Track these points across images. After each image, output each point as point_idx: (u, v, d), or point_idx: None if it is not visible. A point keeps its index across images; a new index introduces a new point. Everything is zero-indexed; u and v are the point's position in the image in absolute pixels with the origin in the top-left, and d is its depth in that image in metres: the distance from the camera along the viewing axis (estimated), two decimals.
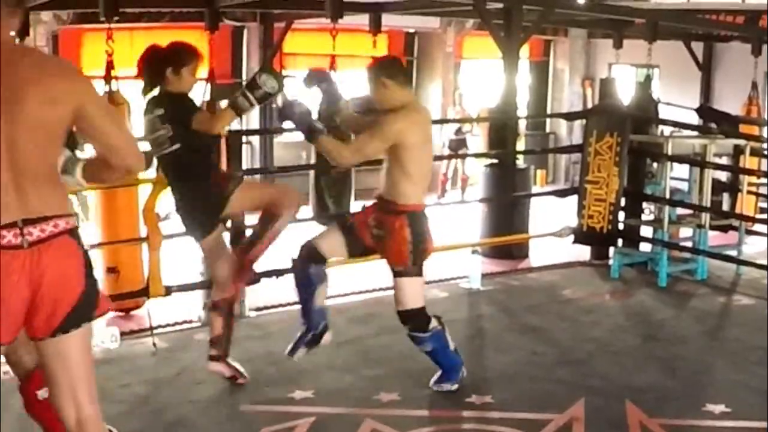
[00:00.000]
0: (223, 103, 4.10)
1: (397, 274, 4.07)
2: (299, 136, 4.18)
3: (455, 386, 4.20)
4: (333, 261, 5.81)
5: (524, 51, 9.81)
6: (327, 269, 4.18)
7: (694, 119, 8.28)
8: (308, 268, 4.09)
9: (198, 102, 4.47)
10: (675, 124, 7.35)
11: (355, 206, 7.83)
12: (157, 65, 4.01)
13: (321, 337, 4.15)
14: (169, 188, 4.24)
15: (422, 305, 4.09)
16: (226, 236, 4.66)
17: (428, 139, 4.09)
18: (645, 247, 6.97)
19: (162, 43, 4.10)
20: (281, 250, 4.36)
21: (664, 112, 8.65)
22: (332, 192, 7.55)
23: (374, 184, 4.17)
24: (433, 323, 4.12)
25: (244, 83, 3.92)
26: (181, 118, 3.94)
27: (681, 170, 7.20)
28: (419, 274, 4.07)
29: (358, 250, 4.18)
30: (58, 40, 10.23)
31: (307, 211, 7.54)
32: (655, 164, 6.91)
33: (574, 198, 6.69)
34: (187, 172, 4.05)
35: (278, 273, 5.66)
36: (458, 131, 12.75)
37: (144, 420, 3.96)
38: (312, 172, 7.80)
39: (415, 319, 4.09)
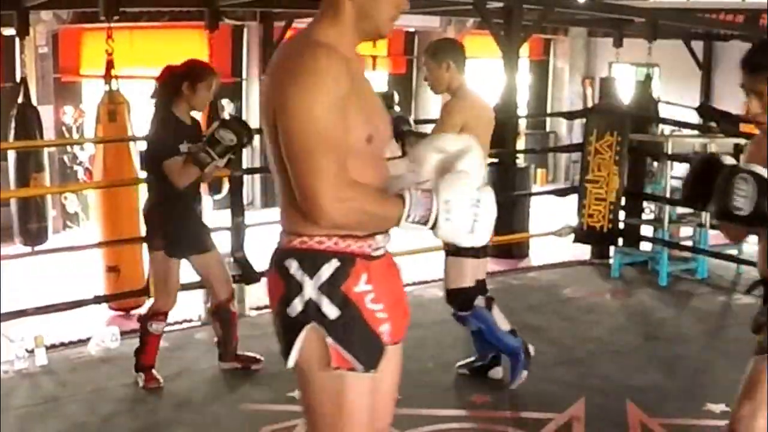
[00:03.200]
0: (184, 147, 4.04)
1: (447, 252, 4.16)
2: None
3: (525, 372, 4.14)
4: None
5: (524, 50, 9.78)
6: None
7: (694, 118, 8.26)
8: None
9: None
10: (675, 123, 7.36)
11: None
12: (174, 80, 4.04)
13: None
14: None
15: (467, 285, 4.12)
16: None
17: None
18: (645, 246, 6.97)
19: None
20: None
21: (664, 111, 8.65)
22: None
23: None
24: (478, 302, 4.13)
25: (205, 138, 3.90)
26: (158, 157, 3.98)
27: (681, 169, 7.19)
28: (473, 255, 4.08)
29: None
30: (58, 39, 10.22)
31: None
32: (655, 163, 6.91)
33: (574, 197, 6.69)
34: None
35: None
36: None
37: (144, 419, 3.96)
38: None
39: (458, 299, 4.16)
